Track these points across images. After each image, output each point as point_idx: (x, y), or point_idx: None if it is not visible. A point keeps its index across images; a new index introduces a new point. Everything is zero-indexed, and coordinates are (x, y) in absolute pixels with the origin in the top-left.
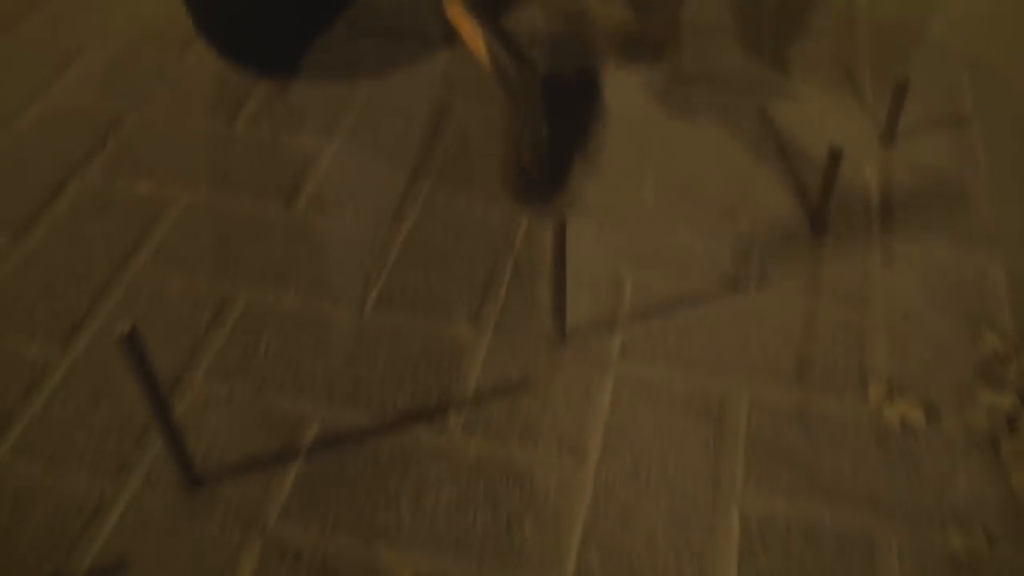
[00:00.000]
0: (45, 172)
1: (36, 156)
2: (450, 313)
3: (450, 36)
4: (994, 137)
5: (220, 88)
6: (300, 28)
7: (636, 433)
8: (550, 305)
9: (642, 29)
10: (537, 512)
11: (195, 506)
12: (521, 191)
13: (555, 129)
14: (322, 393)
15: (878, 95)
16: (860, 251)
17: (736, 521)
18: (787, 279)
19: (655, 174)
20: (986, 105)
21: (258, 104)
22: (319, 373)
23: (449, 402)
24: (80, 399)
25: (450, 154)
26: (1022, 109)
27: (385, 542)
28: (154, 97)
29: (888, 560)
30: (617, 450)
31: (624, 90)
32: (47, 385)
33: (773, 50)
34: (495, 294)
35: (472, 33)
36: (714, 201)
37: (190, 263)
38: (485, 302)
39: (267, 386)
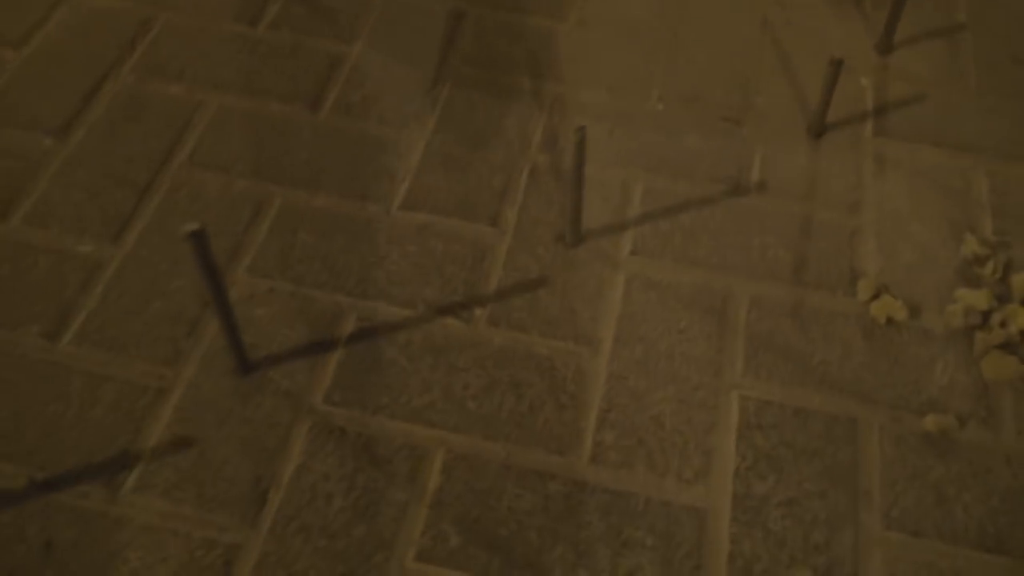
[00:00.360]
0: (79, 75)
1: (69, 59)
2: (472, 214)
3: None
4: (984, 49)
5: None
6: None
7: (646, 327)
8: (565, 208)
9: None
10: (557, 397)
11: (248, 390)
12: None
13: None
14: (356, 288)
15: (876, 4)
16: (854, 157)
17: (735, 405)
18: (786, 183)
19: (662, 82)
20: (978, 17)
21: (280, 7)
22: (353, 269)
23: (474, 297)
24: (134, 292)
25: (467, 58)
26: (1012, 22)
27: (420, 422)
28: (174, 3)
29: (869, 438)
30: (628, 342)
31: None
32: (102, 279)
33: None
34: (513, 197)
35: None
36: (718, 108)
37: (225, 164)
38: (504, 204)
39: (305, 282)
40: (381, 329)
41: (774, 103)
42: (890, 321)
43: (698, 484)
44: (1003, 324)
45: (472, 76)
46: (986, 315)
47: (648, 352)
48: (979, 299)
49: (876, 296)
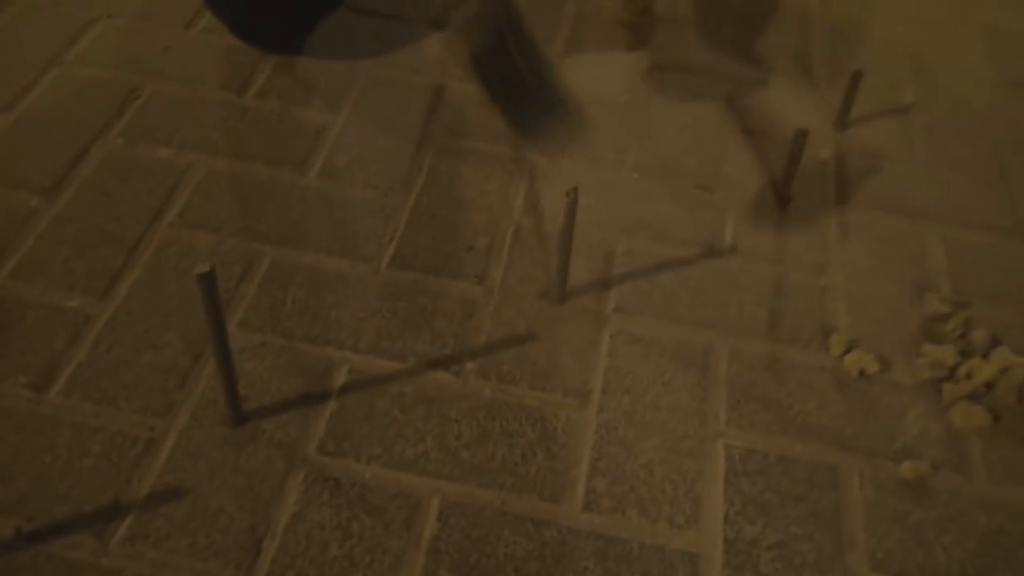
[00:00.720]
0: (68, 137)
1: (58, 122)
2: (459, 273)
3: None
4: (933, 125)
5: (229, 62)
6: (306, 9)
7: (631, 379)
8: (550, 267)
9: (622, 19)
10: (548, 446)
11: (241, 440)
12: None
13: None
14: (348, 342)
15: (831, 84)
16: (819, 223)
17: (721, 453)
18: (757, 246)
19: (637, 153)
20: (926, 97)
21: (266, 78)
22: (344, 324)
23: (463, 351)
24: (124, 345)
25: (449, 129)
26: (957, 101)
27: (414, 471)
28: (166, 69)
29: (850, 484)
30: (615, 393)
31: (601, 73)
32: (91, 332)
33: (738, 44)
34: (498, 257)
35: None
36: (691, 177)
37: (214, 223)
38: (490, 264)
39: (296, 336)
40: (373, 381)
41: (742, 173)
42: (862, 373)
43: (689, 529)
44: (968, 376)
45: (454, 145)
46: (952, 368)
47: (635, 403)
48: (945, 354)
49: (848, 351)
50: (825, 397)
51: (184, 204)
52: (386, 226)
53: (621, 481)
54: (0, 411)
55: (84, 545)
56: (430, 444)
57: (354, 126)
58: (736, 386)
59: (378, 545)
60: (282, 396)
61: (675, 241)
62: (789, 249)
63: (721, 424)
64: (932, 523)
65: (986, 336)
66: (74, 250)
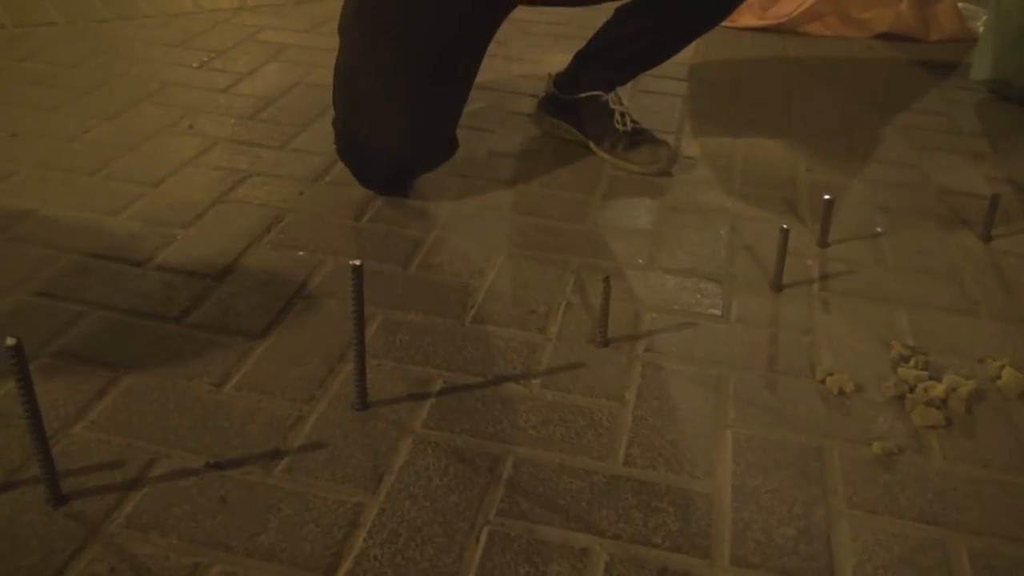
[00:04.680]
0: (235, 241)
1: (227, 231)
2: (525, 327)
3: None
4: (899, 247)
5: (349, 202)
6: (407, 169)
7: (659, 391)
8: (594, 326)
9: (642, 174)
10: (595, 429)
11: (365, 418)
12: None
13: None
14: (442, 363)
15: (813, 217)
16: (805, 303)
17: (730, 437)
18: (756, 317)
19: (665, 260)
20: (894, 229)
21: (376, 210)
22: (439, 354)
23: (529, 372)
24: (278, 363)
25: (516, 244)
26: (917, 231)
27: (495, 439)
28: (300, 206)
29: (832, 457)
30: (647, 399)
31: (632, 212)
32: (254, 355)
33: (741, 193)
34: (555, 319)
35: None
36: (704, 275)
37: (341, 294)
38: (548, 323)
39: (404, 360)
40: (462, 388)
41: (744, 272)
42: (841, 392)
43: (705, 479)
44: (926, 390)
45: (519, 253)
46: (912, 386)
47: (662, 405)
48: (908, 374)
49: (829, 375)
50: (811, 406)
51: (318, 283)
52: (468, 299)
53: (652, 450)
54: (189, 399)
55: (255, 473)
56: (505, 425)
57: (442, 240)
58: (741, 398)
59: (469, 480)
60: (393, 396)
61: (691, 313)
62: (781, 319)
63: (729, 420)
64: (897, 483)
65: (939, 369)
66: (238, 308)
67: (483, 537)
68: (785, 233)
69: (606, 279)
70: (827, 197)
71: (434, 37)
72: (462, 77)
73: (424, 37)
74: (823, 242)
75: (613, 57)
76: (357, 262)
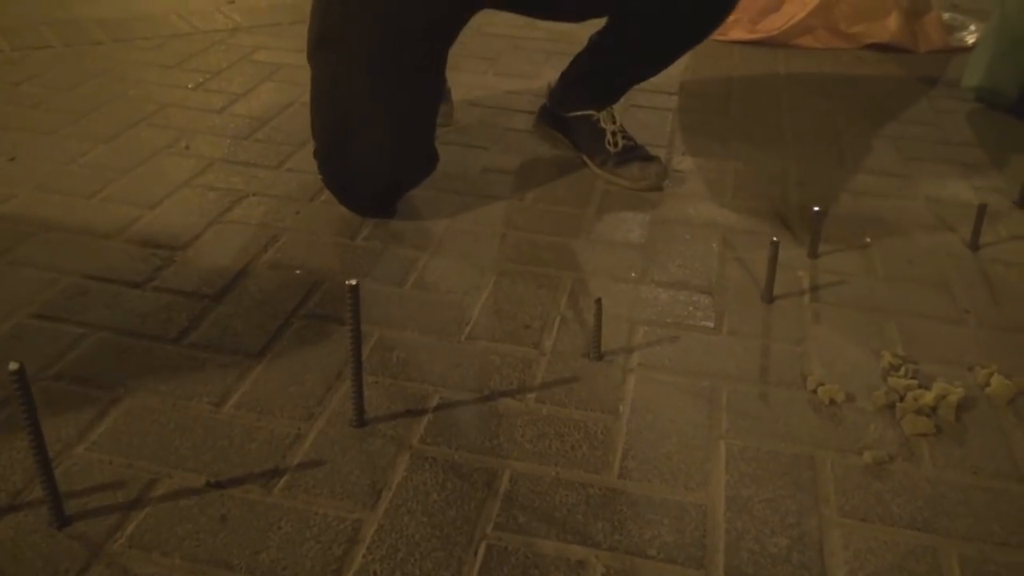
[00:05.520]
0: (232, 261)
1: (223, 251)
2: (520, 342)
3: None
4: (888, 257)
5: (343, 221)
6: (389, 190)
7: (653, 404)
8: (588, 340)
9: (634, 189)
10: (591, 442)
11: (363, 435)
12: None
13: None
14: (438, 380)
15: (804, 229)
16: (796, 314)
17: (723, 448)
18: (747, 328)
19: (657, 273)
20: (883, 239)
21: (370, 230)
22: (435, 371)
23: (524, 387)
24: (275, 382)
25: (509, 258)
26: (906, 240)
27: (491, 454)
28: (297, 225)
29: (824, 466)
30: (642, 412)
31: (624, 226)
32: (252, 374)
33: (731, 206)
34: (549, 334)
35: None
36: (694, 287)
37: (338, 316)
38: (543, 337)
39: (400, 377)
40: (458, 403)
41: (736, 284)
42: (832, 402)
43: (699, 490)
44: (916, 399)
45: (513, 269)
46: (902, 395)
47: (656, 418)
48: (898, 383)
49: (820, 385)
50: (803, 416)
51: (315, 302)
52: (464, 315)
53: (647, 463)
54: (188, 419)
55: (255, 491)
56: (502, 439)
57: (437, 257)
58: (735, 410)
59: (467, 494)
60: (391, 412)
61: (683, 326)
62: (773, 330)
63: (723, 431)
64: (888, 491)
65: (928, 377)
66: (236, 328)
67: (481, 551)
68: (775, 245)
69: (598, 301)
70: (816, 209)
71: (400, 51)
72: (434, 75)
73: (391, 55)
74: (813, 253)
75: (595, 82)
76: (353, 282)
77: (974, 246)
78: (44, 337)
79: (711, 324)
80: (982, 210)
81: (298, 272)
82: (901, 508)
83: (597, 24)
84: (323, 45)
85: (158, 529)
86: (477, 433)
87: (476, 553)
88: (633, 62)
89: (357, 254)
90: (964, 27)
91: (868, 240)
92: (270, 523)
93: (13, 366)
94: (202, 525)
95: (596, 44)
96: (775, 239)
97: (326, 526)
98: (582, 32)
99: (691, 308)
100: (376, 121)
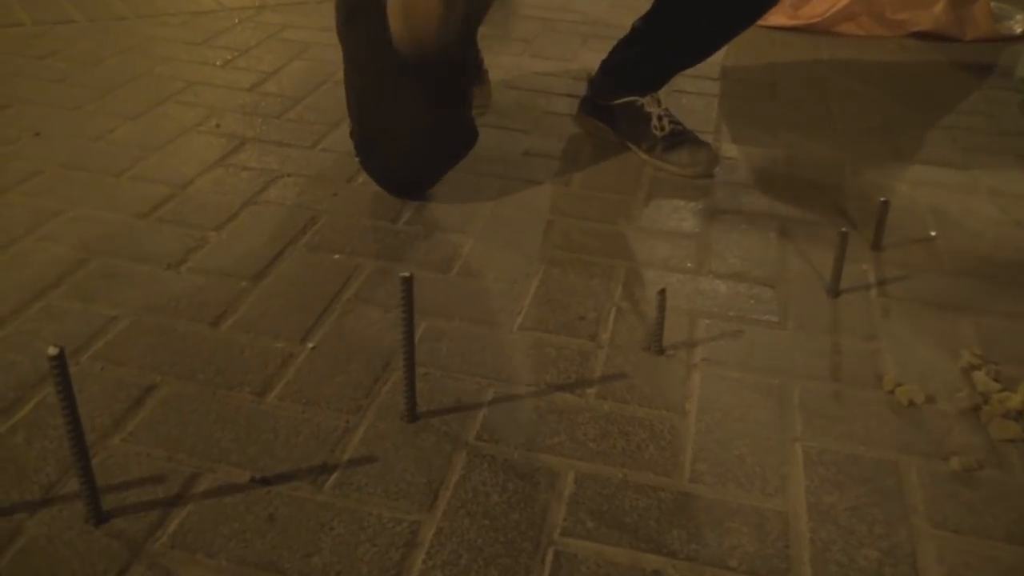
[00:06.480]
0: (270, 243)
1: (260, 233)
2: (575, 334)
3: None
4: (955, 251)
5: (384, 203)
6: (426, 172)
7: (721, 402)
8: (649, 334)
9: (684, 175)
10: (658, 442)
11: (416, 430)
12: None
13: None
14: (491, 373)
15: (864, 223)
16: (864, 309)
17: (800, 451)
18: (815, 322)
19: (715, 264)
20: (946, 232)
21: (412, 213)
22: (488, 363)
23: (583, 382)
24: (321, 372)
25: (558, 247)
26: (973, 234)
27: (553, 453)
28: (335, 207)
29: (909, 472)
30: (709, 410)
31: (676, 214)
32: (295, 363)
33: (786, 196)
34: (605, 326)
35: None
36: (756, 280)
37: (381, 301)
38: (599, 329)
39: (451, 369)
40: (514, 398)
41: (798, 276)
42: (911, 403)
43: (778, 496)
44: (1001, 402)
45: (563, 257)
46: (986, 397)
47: (725, 417)
48: (982, 382)
49: (898, 385)
50: (882, 418)
51: (357, 288)
52: (514, 305)
53: (719, 465)
54: (230, 409)
55: (303, 488)
56: (563, 437)
57: (483, 243)
58: (808, 409)
59: (529, 497)
60: (443, 406)
61: (747, 320)
62: (841, 325)
63: (798, 432)
64: (981, 500)
65: (1011, 380)
66: (275, 312)
67: (549, 558)
68: (844, 236)
69: (662, 291)
70: (883, 199)
71: None
72: (465, 45)
73: None
74: (877, 245)
75: (638, 69)
76: (407, 274)
77: None
78: (74, 319)
79: (775, 318)
80: None
81: (337, 256)
82: (996, 520)
83: (640, 10)
84: (352, 19)
85: (202, 528)
86: (536, 430)
87: (544, 560)
88: (677, 49)
89: (398, 239)
90: (1011, 16)
91: (933, 233)
92: (321, 523)
93: (53, 350)
94: (249, 524)
95: (639, 30)
96: (844, 230)
97: (382, 528)
98: (618, 14)
99: (753, 301)
100: (413, 95)
